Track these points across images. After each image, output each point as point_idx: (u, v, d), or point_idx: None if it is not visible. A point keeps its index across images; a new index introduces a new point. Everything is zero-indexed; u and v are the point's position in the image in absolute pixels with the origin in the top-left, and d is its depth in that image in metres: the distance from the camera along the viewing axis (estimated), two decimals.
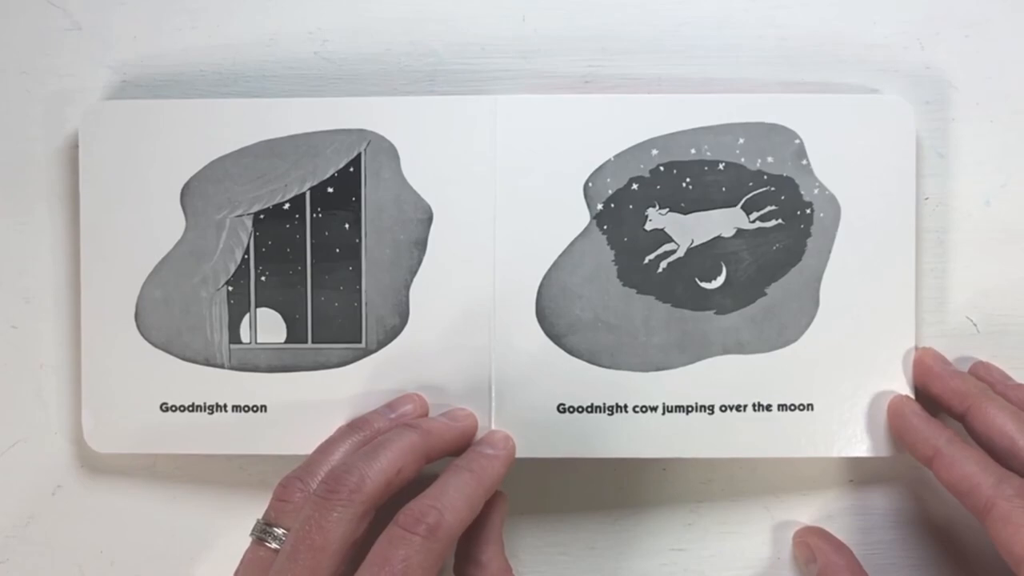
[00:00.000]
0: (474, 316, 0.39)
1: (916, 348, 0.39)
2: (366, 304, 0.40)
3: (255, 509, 0.36)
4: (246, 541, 0.35)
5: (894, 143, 0.39)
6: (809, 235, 0.39)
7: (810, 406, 0.39)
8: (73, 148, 0.41)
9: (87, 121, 0.40)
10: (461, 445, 0.38)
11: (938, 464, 0.36)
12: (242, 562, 0.35)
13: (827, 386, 0.39)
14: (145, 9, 0.42)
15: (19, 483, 0.42)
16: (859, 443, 0.39)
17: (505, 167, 0.39)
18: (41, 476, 0.42)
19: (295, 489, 0.35)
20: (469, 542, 0.37)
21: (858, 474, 0.41)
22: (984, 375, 0.39)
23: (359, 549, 0.33)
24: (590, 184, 0.39)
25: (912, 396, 0.39)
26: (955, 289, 0.41)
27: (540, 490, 0.41)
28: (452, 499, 0.34)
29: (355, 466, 0.34)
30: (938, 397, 0.38)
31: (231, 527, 0.37)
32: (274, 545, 0.34)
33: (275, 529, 0.34)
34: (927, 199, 0.40)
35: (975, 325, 0.41)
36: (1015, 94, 0.41)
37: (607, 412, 0.39)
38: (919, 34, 0.41)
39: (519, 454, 0.39)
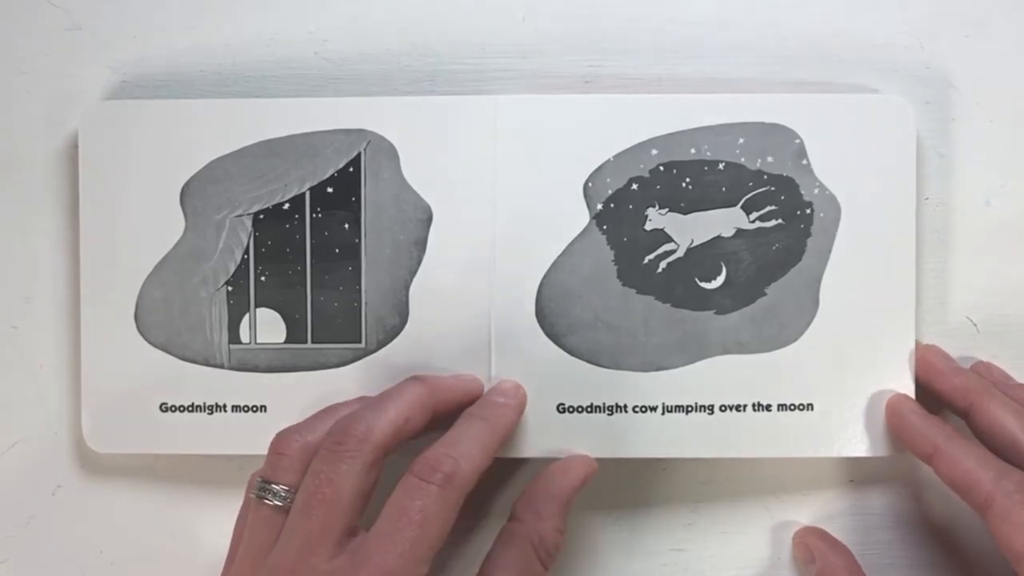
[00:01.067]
0: (474, 316, 0.39)
1: (918, 345, 0.39)
2: (366, 304, 0.40)
3: None
4: None
5: (894, 143, 0.39)
6: (809, 235, 0.39)
7: (810, 406, 0.39)
8: (73, 148, 0.41)
9: (87, 121, 0.40)
10: (467, 403, 0.38)
11: (938, 460, 0.36)
12: (244, 522, 0.35)
13: (827, 386, 0.39)
14: (145, 9, 0.42)
15: (19, 483, 0.42)
16: (859, 443, 0.39)
17: (505, 167, 0.39)
18: (41, 476, 0.42)
19: (292, 440, 0.35)
20: (538, 496, 0.37)
21: (858, 474, 0.41)
22: (985, 375, 0.39)
23: (370, 499, 0.34)
24: (590, 184, 0.39)
25: (913, 395, 0.39)
26: (955, 289, 0.41)
27: None
28: (467, 447, 0.34)
29: (362, 416, 0.34)
30: (941, 394, 0.38)
31: (231, 527, 0.37)
32: (275, 502, 0.34)
33: (273, 485, 0.34)
34: (927, 199, 0.40)
35: (975, 325, 0.41)
36: (1015, 94, 0.41)
37: (607, 412, 0.39)
38: (919, 34, 0.41)
39: (519, 454, 0.39)
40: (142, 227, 0.40)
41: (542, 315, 0.39)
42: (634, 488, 0.42)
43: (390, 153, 0.39)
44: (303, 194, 0.40)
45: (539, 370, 0.39)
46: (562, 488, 0.37)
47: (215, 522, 0.38)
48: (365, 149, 0.40)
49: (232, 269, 0.40)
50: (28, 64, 0.42)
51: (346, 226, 0.40)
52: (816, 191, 0.39)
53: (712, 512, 0.42)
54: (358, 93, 0.41)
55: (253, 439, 0.39)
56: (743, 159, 0.39)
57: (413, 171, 0.39)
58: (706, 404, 0.39)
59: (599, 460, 0.39)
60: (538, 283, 0.39)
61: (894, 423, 0.38)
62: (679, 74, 0.41)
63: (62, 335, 0.42)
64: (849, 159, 0.39)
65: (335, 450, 0.33)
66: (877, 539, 0.41)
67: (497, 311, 0.39)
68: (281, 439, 0.35)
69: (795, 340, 0.39)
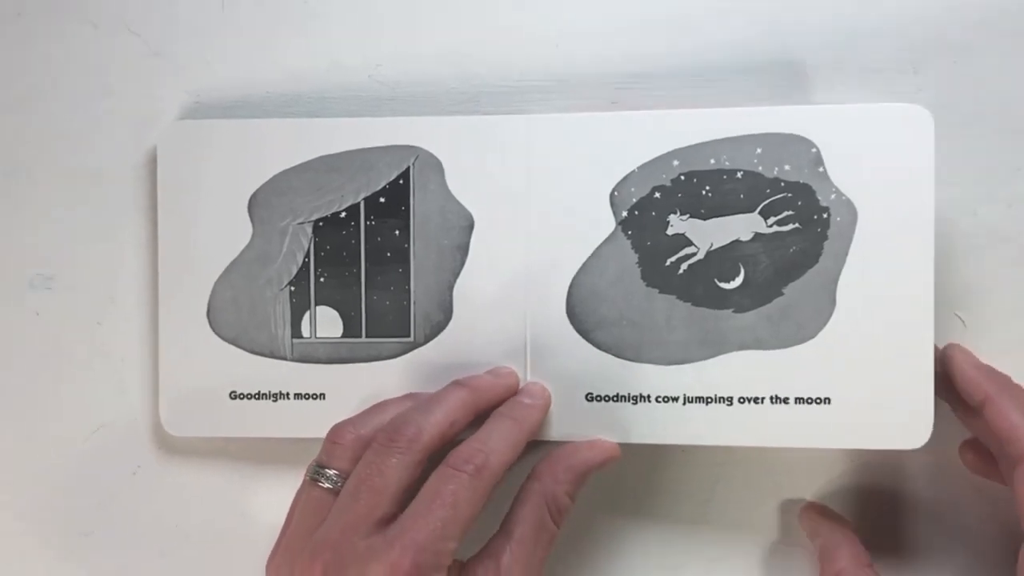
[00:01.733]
0: (511, 313, 0.40)
1: (936, 347, 0.38)
2: (414, 302, 0.41)
3: None
4: None
5: (912, 149, 0.38)
6: (826, 238, 0.39)
7: (827, 400, 0.39)
8: (152, 163, 0.42)
9: (165, 139, 0.41)
10: (506, 399, 0.39)
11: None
12: (298, 502, 0.36)
13: (844, 380, 0.38)
14: (217, 38, 0.43)
15: (102, 464, 0.44)
16: (875, 436, 0.38)
17: (538, 179, 0.40)
18: (122, 458, 0.44)
19: (346, 432, 0.37)
20: (560, 462, 0.38)
21: (867, 456, 0.42)
22: None
23: (411, 493, 0.35)
24: (616, 193, 0.40)
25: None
26: (949, 288, 0.41)
27: None
28: (496, 443, 0.36)
29: (413, 419, 0.36)
30: (957, 386, 0.37)
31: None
32: (326, 485, 0.36)
33: (327, 470, 0.36)
34: None
35: (963, 323, 0.41)
36: (997, 114, 0.41)
37: (631, 401, 0.40)
38: (913, 60, 0.41)
39: (551, 437, 0.40)
40: (214, 234, 0.41)
41: (572, 313, 0.40)
42: (652, 469, 0.42)
43: (436, 167, 0.40)
44: (358, 204, 0.41)
45: (569, 363, 0.40)
46: (584, 460, 0.38)
47: (278, 498, 0.38)
48: (414, 163, 0.40)
49: (294, 271, 0.41)
50: (113, 87, 0.43)
51: (396, 232, 0.41)
52: (833, 196, 0.38)
53: (727, 492, 0.42)
54: (409, 113, 0.42)
55: (313, 424, 0.40)
56: (760, 168, 0.39)
57: (457, 183, 0.40)
58: (725, 396, 0.39)
59: (622, 445, 0.39)
60: (568, 284, 0.40)
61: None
62: (699, 95, 0.42)
63: (143, 331, 0.43)
64: (866, 165, 0.38)
65: (388, 445, 0.35)
66: (879, 516, 0.42)
67: (532, 309, 0.40)
68: (337, 430, 0.37)
69: (812, 338, 0.39)
